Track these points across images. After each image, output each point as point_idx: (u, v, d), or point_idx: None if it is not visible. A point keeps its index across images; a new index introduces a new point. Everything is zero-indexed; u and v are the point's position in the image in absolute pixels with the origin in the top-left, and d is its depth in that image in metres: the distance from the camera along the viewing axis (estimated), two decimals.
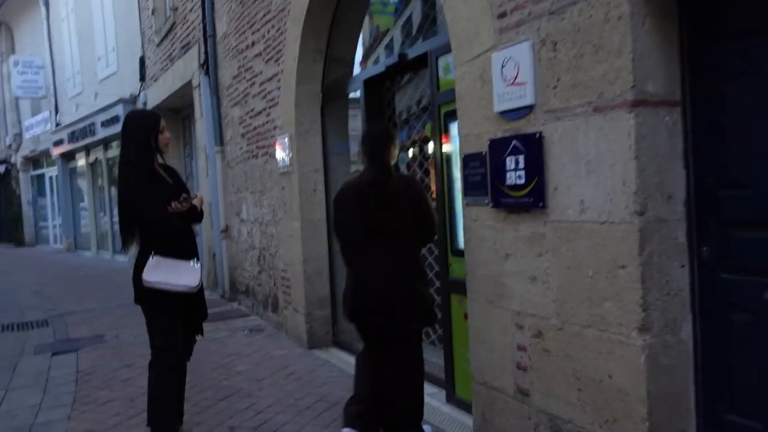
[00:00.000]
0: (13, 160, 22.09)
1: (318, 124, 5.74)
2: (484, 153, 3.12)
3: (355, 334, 5.87)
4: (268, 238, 6.75)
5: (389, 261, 3.16)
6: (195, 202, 3.42)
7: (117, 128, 13.52)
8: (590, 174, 2.52)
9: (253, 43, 6.78)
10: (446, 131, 3.89)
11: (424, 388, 3.36)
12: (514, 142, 2.89)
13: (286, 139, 5.81)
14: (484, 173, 3.13)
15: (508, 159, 2.93)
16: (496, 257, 3.09)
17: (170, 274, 3.30)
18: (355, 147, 5.69)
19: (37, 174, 21.49)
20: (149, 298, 3.35)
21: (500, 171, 2.98)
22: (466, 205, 3.31)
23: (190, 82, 9.39)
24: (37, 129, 19.49)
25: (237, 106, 7.56)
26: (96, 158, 16.30)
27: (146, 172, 3.33)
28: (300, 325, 5.85)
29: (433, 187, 4.36)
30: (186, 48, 9.44)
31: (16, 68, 18.16)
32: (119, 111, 13.35)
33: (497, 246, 3.08)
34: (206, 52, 8.37)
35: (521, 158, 2.84)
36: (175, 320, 3.39)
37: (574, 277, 2.63)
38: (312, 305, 5.75)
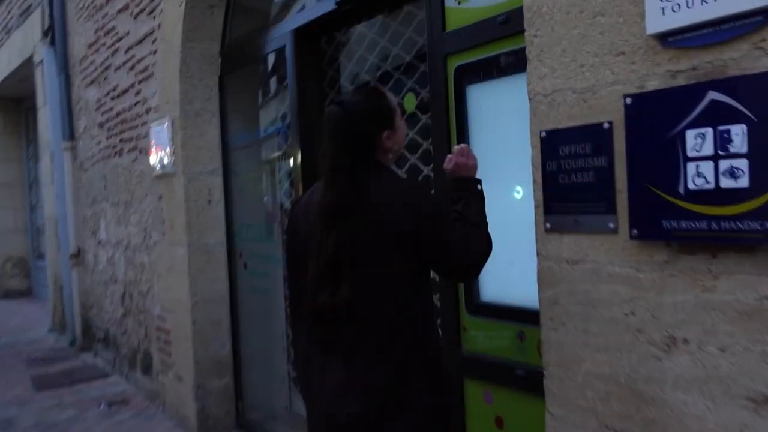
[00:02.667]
0: None
1: (215, 102, 3.90)
2: (606, 126, 1.50)
3: (269, 414, 4.11)
4: (136, 270, 4.78)
5: (342, 361, 1.65)
6: None
7: None
8: None
9: None
10: (460, 98, 2.25)
11: None
12: (711, 95, 1.29)
13: (166, 126, 3.92)
14: (606, 167, 1.51)
15: (691, 134, 1.32)
16: (635, 343, 1.47)
17: None
18: (268, 135, 3.91)
19: None
20: None
21: (664, 161, 1.36)
22: (546, 230, 1.67)
23: (31, 58, 7.15)
24: None
25: (93, 86, 5.51)
26: None
27: None
28: (186, 402, 3.94)
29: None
30: (26, 13, 7.18)
31: None
32: None
33: (643, 320, 1.46)
34: (51, 15, 6.22)
35: (738, 130, 1.25)
36: None
37: None
38: (205, 372, 3.87)
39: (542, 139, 1.65)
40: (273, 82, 3.82)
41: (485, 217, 1.71)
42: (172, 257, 4.03)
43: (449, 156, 1.78)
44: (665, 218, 1.37)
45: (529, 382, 2.06)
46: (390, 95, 1.78)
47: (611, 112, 1.48)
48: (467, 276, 1.90)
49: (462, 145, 1.79)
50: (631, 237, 1.44)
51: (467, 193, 1.71)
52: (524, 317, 2.07)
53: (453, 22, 2.26)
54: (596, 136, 1.51)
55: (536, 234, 1.70)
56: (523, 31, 1.98)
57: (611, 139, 1.48)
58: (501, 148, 2.13)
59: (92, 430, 4.06)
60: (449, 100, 2.27)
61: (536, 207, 1.69)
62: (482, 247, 1.63)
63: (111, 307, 5.44)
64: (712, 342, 1.34)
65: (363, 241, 1.57)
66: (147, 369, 4.68)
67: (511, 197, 2.12)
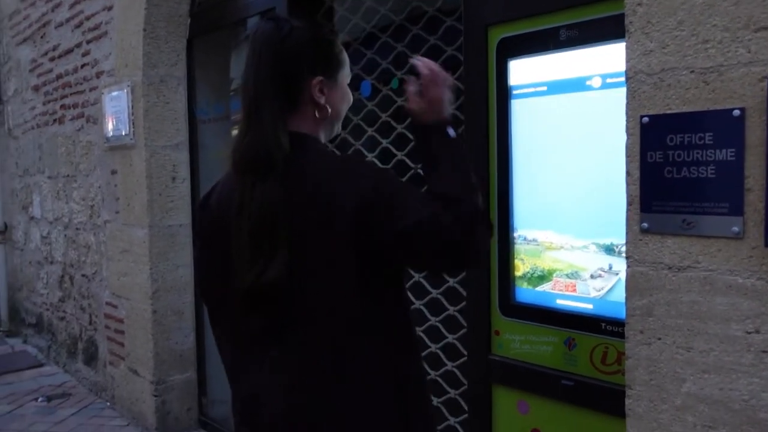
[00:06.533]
0: None
1: (182, 68, 3.50)
2: (736, 113, 1.28)
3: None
4: (79, 250, 4.31)
5: (296, 370, 1.22)
6: None
7: None
8: None
9: None
10: (502, 76, 2.00)
11: None
12: None
13: (126, 93, 3.49)
14: (732, 162, 1.29)
15: None
16: (759, 366, 1.28)
17: None
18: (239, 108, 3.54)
19: None
20: None
21: None
22: (643, 230, 1.45)
23: None
24: None
25: (27, 44, 4.93)
26: None
27: None
28: (142, 397, 3.58)
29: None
30: None
31: None
32: None
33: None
34: None
35: None
36: None
37: None
38: (165, 366, 3.52)
39: (643, 126, 1.42)
40: None
41: (469, 175, 1.24)
42: (128, 239, 3.62)
43: (410, 88, 1.31)
44: None
45: (577, 394, 1.86)
46: (334, 35, 1.37)
47: (743, 98, 1.27)
48: (456, 268, 1.38)
49: (424, 62, 1.31)
50: (766, 244, 1.24)
51: (436, 145, 1.26)
52: (575, 322, 1.87)
53: None
54: (722, 124, 1.30)
55: (627, 235, 1.48)
56: (591, 1, 1.77)
57: (743, 129, 1.27)
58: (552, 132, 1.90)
59: (33, 430, 3.62)
60: (489, 77, 2.02)
61: (629, 204, 1.46)
62: (466, 225, 1.15)
63: (45, 290, 4.93)
64: None
65: (298, 202, 1.17)
66: (90, 359, 4.25)
67: (560, 189, 1.90)
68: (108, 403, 3.98)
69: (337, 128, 1.41)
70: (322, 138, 1.35)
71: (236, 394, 1.35)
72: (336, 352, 1.21)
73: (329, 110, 1.31)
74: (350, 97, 1.41)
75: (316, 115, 1.30)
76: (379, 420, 1.24)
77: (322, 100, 1.30)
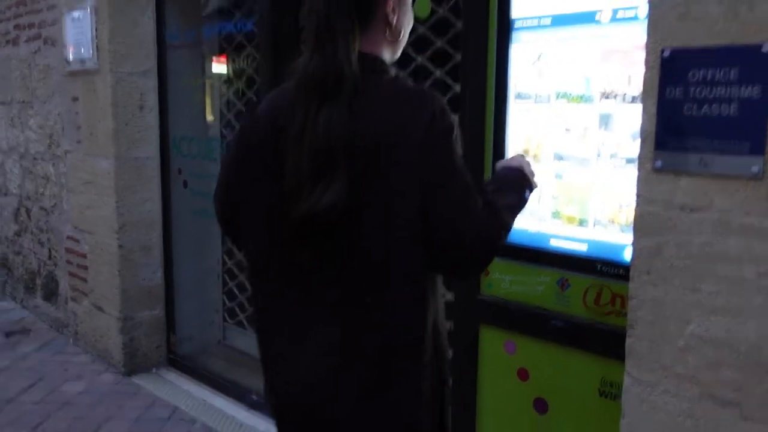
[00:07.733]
0: None
1: None
2: (766, 49, 1.23)
3: (201, 347, 3.73)
4: (37, 182, 4.11)
5: (335, 321, 1.18)
6: None
7: None
8: None
9: None
10: (504, 7, 1.91)
11: None
12: None
13: (89, 13, 3.26)
14: (757, 100, 1.25)
15: None
16: None
17: None
18: (212, 34, 3.37)
19: None
20: None
21: None
22: (656, 169, 1.41)
23: None
24: None
25: None
26: None
27: None
28: (108, 334, 3.48)
29: None
30: None
31: None
32: None
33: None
34: None
35: None
36: None
37: None
38: (132, 302, 3.42)
39: (664, 59, 1.36)
40: None
41: (511, 222, 1.30)
42: (91, 170, 3.45)
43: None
44: None
45: (567, 335, 1.86)
46: None
47: None
48: (459, 264, 1.20)
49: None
50: None
51: (510, 188, 1.33)
52: (569, 263, 1.85)
53: None
54: (749, 60, 1.25)
55: (639, 173, 1.44)
56: None
57: None
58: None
59: None
60: (490, 8, 1.92)
61: (643, 140, 1.41)
62: (494, 236, 1.20)
63: (0, 223, 4.72)
64: None
65: (364, 129, 1.12)
66: (50, 295, 4.11)
67: (557, 123, 1.85)
68: (71, 340, 3.88)
69: (399, 53, 1.33)
70: (388, 61, 1.28)
71: (265, 337, 1.30)
72: (388, 297, 1.16)
73: (401, 32, 1.27)
74: (412, 20, 1.35)
75: (387, 36, 1.24)
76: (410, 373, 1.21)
77: (395, 20, 1.24)
